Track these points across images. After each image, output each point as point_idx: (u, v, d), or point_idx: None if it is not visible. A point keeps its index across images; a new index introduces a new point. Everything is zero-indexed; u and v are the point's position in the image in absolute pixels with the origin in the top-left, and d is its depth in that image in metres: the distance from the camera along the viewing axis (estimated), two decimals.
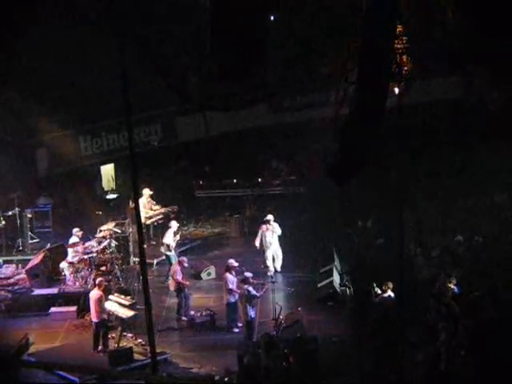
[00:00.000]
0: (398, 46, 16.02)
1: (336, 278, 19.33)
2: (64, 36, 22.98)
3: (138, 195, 16.99)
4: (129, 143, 14.81)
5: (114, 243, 20.40)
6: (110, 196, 26.30)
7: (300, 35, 26.70)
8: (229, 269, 17.95)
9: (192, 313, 18.41)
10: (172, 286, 18.70)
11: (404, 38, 16.45)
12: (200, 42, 24.13)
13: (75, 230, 20.42)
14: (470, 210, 22.82)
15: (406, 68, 17.32)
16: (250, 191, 25.17)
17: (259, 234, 20.66)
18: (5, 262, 21.43)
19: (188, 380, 15.14)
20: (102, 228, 20.95)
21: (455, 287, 17.36)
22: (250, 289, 17.16)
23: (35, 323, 18.44)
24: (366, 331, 16.98)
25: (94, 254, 19.78)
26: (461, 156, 25.61)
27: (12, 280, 20.32)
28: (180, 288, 18.48)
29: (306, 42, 26.73)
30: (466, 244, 20.13)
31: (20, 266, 20.95)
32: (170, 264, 20.08)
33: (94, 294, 17.07)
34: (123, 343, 16.94)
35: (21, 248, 21.99)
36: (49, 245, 21.55)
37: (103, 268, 19.73)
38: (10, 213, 22.07)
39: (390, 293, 17.41)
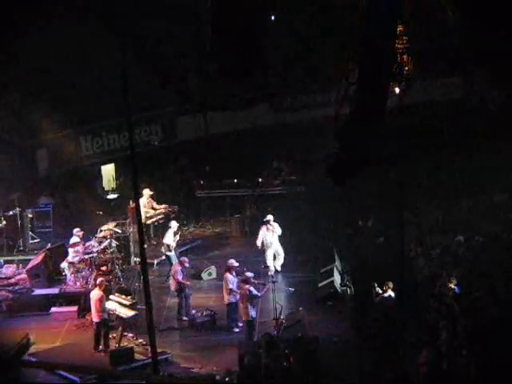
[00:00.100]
0: (399, 46, 16.03)
1: (337, 277, 19.34)
2: (64, 36, 22.98)
3: (139, 195, 16.98)
4: (129, 143, 14.80)
5: (114, 243, 20.40)
6: (111, 196, 26.30)
7: (300, 35, 26.73)
8: (229, 269, 17.96)
9: (194, 312, 18.42)
10: (173, 285, 18.71)
11: (404, 37, 16.46)
12: (200, 41, 24.16)
13: (76, 230, 20.42)
14: (470, 210, 22.83)
15: (406, 68, 17.34)
16: (250, 191, 25.16)
17: (260, 235, 20.66)
18: (5, 261, 21.40)
19: (189, 380, 15.13)
20: (103, 228, 20.96)
21: (455, 287, 17.38)
22: (252, 289, 17.16)
23: (36, 323, 18.42)
24: (366, 331, 16.99)
25: (95, 254, 19.78)
26: (461, 156, 25.62)
27: (13, 280, 20.30)
28: (181, 288, 18.49)
29: (306, 41, 26.75)
30: (467, 244, 20.14)
31: (21, 265, 20.94)
32: (171, 264, 20.08)
33: (95, 294, 17.07)
34: (124, 343, 16.94)
35: (21, 248, 21.99)
36: (49, 245, 21.54)
37: (104, 268, 19.72)
38: (11, 213, 22.06)
39: (390, 293, 17.43)
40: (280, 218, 21.04)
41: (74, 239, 20.16)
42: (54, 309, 18.93)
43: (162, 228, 22.04)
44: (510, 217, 21.79)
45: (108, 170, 27.07)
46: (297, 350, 15.68)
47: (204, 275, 20.74)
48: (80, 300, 18.79)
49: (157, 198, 23.28)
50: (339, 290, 19.04)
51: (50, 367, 15.31)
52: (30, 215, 22.47)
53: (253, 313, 17.18)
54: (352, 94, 15.21)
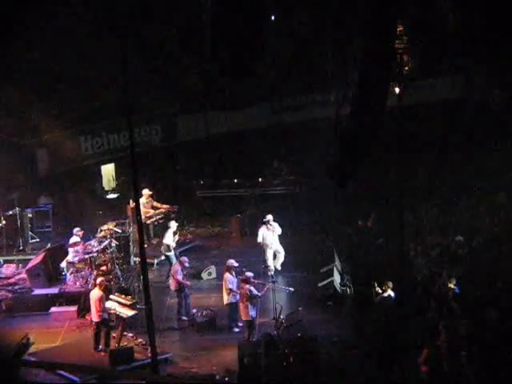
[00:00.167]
0: (398, 46, 16.02)
1: (336, 277, 19.34)
2: (65, 36, 23.01)
3: (139, 195, 16.97)
4: (129, 143, 14.79)
5: (114, 243, 20.39)
6: (111, 196, 26.32)
7: (300, 35, 26.77)
8: (228, 269, 17.95)
9: (194, 311, 18.41)
10: (173, 285, 18.70)
11: (404, 37, 16.45)
12: (200, 41, 24.20)
13: (76, 229, 20.41)
14: (470, 210, 22.84)
15: (406, 68, 17.35)
16: (250, 191, 25.16)
17: (260, 233, 20.66)
18: (5, 261, 21.40)
19: (188, 380, 15.15)
20: (103, 228, 20.94)
21: (455, 287, 17.39)
22: (252, 288, 17.15)
23: (36, 323, 18.41)
24: (366, 331, 16.99)
25: (95, 254, 19.77)
26: (461, 156, 25.65)
27: (12, 280, 20.28)
28: (181, 288, 18.49)
29: (306, 41, 26.79)
30: (467, 244, 20.14)
31: (20, 265, 20.92)
32: (170, 264, 20.08)
33: (95, 293, 17.06)
34: (124, 343, 16.93)
35: (21, 248, 21.97)
36: (49, 244, 21.54)
37: (104, 268, 19.70)
38: (11, 212, 22.05)
39: (390, 292, 17.43)
40: (280, 218, 21.04)
41: (74, 239, 20.16)
42: (53, 309, 18.93)
43: (162, 228, 22.04)
44: (510, 217, 21.80)
45: (108, 170, 27.09)
46: (296, 349, 15.67)
47: (204, 275, 20.74)
48: (80, 300, 18.79)
49: (156, 198, 23.28)
50: (339, 289, 19.03)
51: (49, 367, 15.30)
52: (30, 215, 22.45)
53: (253, 313, 17.17)
54: (352, 94, 15.20)
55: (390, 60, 13.62)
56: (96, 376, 15.20)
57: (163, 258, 21.10)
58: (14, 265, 21.11)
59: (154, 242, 22.48)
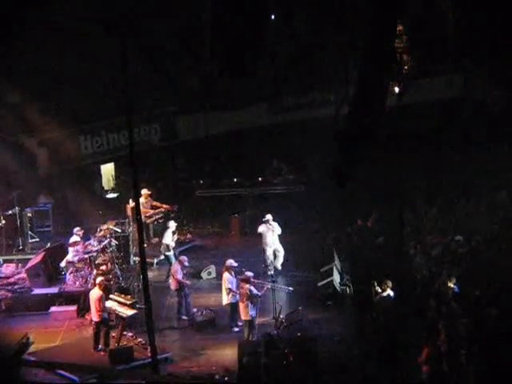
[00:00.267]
0: (398, 46, 16.05)
1: (336, 277, 19.34)
2: (65, 35, 23.00)
3: (139, 194, 16.96)
4: (129, 142, 14.81)
5: (114, 242, 20.39)
6: (110, 195, 26.31)
7: (300, 35, 26.78)
8: (228, 269, 17.95)
9: (194, 310, 18.41)
10: (173, 285, 18.71)
11: (404, 37, 16.48)
12: (200, 41, 24.19)
13: (76, 229, 20.40)
14: (470, 210, 22.84)
15: (406, 67, 17.37)
16: (249, 191, 25.16)
17: (259, 230, 20.68)
18: (5, 261, 21.39)
19: (188, 379, 15.17)
20: (102, 227, 20.95)
21: (455, 286, 17.39)
22: (252, 288, 17.15)
23: (35, 322, 18.40)
24: (366, 330, 17.00)
25: (95, 254, 19.77)
26: (461, 156, 25.65)
27: (12, 279, 20.26)
28: (181, 287, 18.49)
29: (306, 42, 26.80)
30: (466, 243, 20.15)
31: (20, 265, 20.92)
32: (170, 264, 20.09)
33: (95, 293, 17.06)
34: (123, 342, 16.93)
35: (21, 247, 21.97)
36: (49, 244, 21.53)
37: (103, 267, 19.70)
38: (10, 212, 22.04)
39: (389, 292, 17.42)
40: (280, 218, 21.04)
41: (74, 238, 20.16)
42: (53, 308, 18.92)
43: (162, 228, 22.04)
44: (510, 217, 21.81)
45: (108, 169, 27.09)
46: (296, 349, 15.67)
47: (204, 274, 20.75)
48: (79, 299, 18.79)
49: (156, 197, 23.28)
50: (339, 289, 19.04)
51: (49, 366, 15.33)
52: (30, 214, 22.45)
53: (253, 312, 17.17)
54: (352, 94, 15.23)
55: (389, 60, 13.62)
56: (96, 375, 15.21)
57: (163, 257, 21.10)
58: (14, 264, 21.10)
59: (154, 241, 22.49)
